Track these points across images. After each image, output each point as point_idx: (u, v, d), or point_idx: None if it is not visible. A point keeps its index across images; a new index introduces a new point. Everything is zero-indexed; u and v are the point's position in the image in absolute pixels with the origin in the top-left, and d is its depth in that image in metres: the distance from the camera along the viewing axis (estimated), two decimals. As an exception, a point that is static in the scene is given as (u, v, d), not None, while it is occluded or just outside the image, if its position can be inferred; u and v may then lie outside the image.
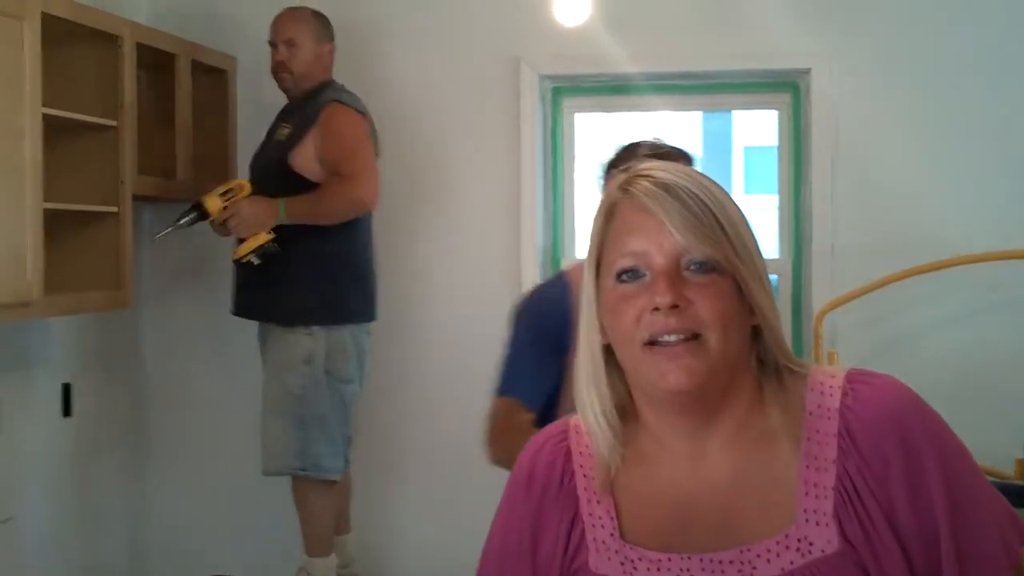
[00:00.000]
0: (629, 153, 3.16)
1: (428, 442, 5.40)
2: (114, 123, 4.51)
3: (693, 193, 1.62)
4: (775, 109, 5.43)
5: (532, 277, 5.27)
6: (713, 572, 1.62)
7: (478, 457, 5.32)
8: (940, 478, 1.59)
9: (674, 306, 1.59)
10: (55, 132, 4.19)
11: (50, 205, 4.11)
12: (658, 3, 5.23)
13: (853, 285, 4.96)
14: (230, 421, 5.41)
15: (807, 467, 1.62)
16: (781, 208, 5.36)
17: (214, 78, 5.29)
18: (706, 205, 1.61)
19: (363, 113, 4.82)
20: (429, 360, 5.38)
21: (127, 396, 5.45)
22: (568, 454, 1.75)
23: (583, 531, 1.70)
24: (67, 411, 4.95)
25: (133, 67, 4.63)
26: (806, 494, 1.61)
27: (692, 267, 1.60)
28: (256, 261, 4.68)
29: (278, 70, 4.89)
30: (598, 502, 1.71)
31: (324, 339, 4.70)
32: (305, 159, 4.71)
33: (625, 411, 1.72)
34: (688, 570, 1.63)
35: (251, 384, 4.99)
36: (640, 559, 1.66)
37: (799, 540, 1.59)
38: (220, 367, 5.50)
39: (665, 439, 1.69)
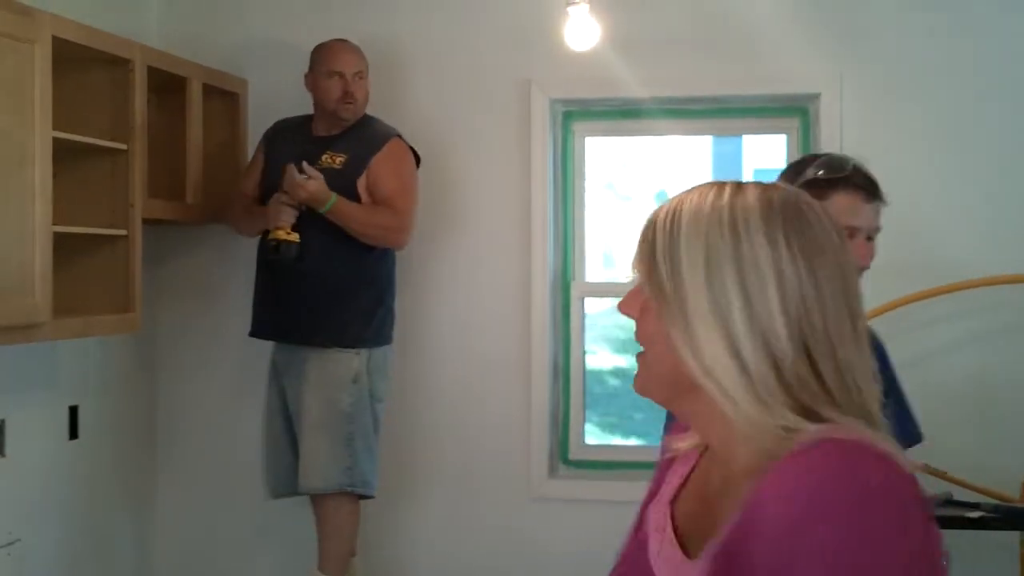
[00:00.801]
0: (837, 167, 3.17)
1: (437, 462, 5.40)
2: (124, 146, 4.52)
3: (651, 223, 1.65)
4: (784, 133, 5.43)
5: (542, 299, 5.28)
6: (661, 567, 1.72)
7: (485, 478, 5.36)
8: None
9: (625, 313, 1.70)
10: (65, 155, 4.19)
11: (59, 228, 4.12)
12: (668, 28, 5.24)
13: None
14: (237, 443, 5.40)
15: (746, 475, 1.57)
16: (790, 232, 5.35)
17: (225, 101, 5.30)
18: (648, 236, 1.64)
19: (406, 142, 5.01)
20: (440, 381, 5.38)
21: (134, 418, 5.44)
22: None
23: (662, 480, 1.85)
24: (74, 433, 4.95)
25: (144, 90, 4.63)
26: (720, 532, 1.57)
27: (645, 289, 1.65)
28: (274, 252, 4.76)
29: (346, 100, 4.93)
30: (682, 463, 1.82)
31: (367, 358, 4.84)
32: (366, 187, 4.87)
33: None
34: (659, 553, 1.73)
35: (259, 406, 5.00)
36: (659, 521, 1.77)
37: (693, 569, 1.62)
38: (227, 389, 5.50)
39: None
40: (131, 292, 4.59)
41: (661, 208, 1.66)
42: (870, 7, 5.15)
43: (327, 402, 4.79)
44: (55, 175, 4.04)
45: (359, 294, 4.86)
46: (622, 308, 1.70)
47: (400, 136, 4.96)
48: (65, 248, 4.23)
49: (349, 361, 4.81)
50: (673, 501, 1.78)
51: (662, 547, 1.73)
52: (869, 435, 1.50)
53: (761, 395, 1.54)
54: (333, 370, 4.80)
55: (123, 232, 4.54)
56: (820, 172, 3.13)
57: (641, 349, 1.69)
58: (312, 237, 4.77)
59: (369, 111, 5.00)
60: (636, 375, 1.70)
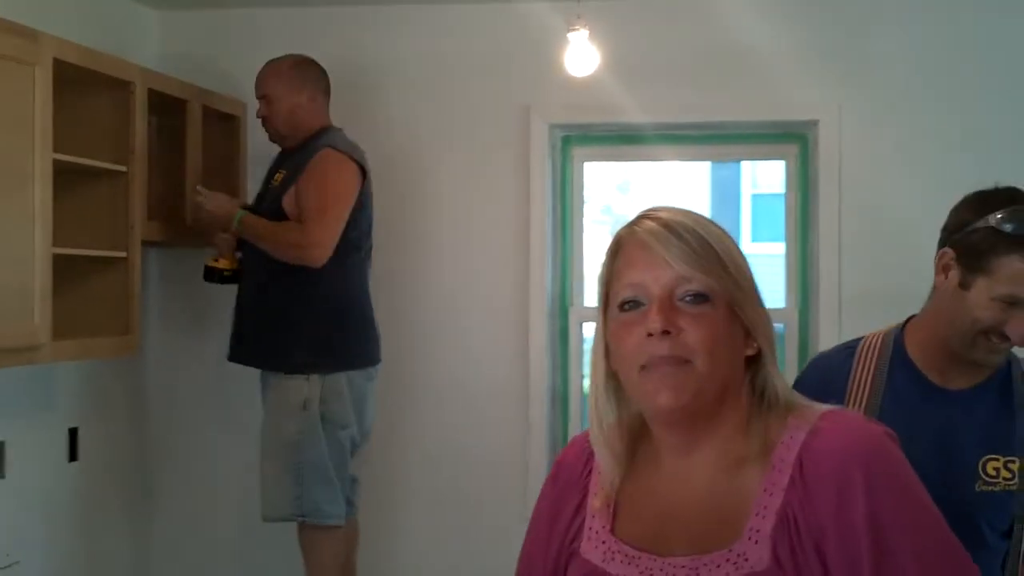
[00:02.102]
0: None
1: (435, 487, 5.39)
2: (124, 168, 4.53)
3: (691, 229, 1.82)
4: (783, 160, 5.45)
5: (540, 324, 5.29)
6: (668, 574, 1.81)
7: (482, 504, 5.35)
8: (867, 517, 1.72)
9: (665, 332, 1.78)
10: (65, 177, 4.20)
11: (59, 250, 4.12)
12: (667, 54, 5.26)
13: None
14: (235, 466, 5.40)
15: (764, 491, 1.79)
16: (788, 257, 5.37)
17: (224, 124, 5.31)
18: (704, 239, 1.82)
19: (358, 161, 4.78)
20: (438, 405, 5.38)
21: (133, 440, 5.44)
22: (592, 453, 1.96)
23: (584, 520, 1.94)
24: (73, 455, 4.95)
25: (144, 113, 4.64)
26: (756, 515, 1.77)
27: (687, 298, 1.80)
28: (210, 276, 4.88)
29: (262, 124, 4.93)
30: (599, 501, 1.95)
31: (320, 384, 4.68)
32: (292, 203, 4.72)
33: (643, 427, 1.92)
34: (650, 569, 1.83)
35: (256, 429, 4.99)
36: (619, 552, 1.87)
37: (738, 555, 1.77)
38: (226, 412, 5.50)
39: (661, 453, 1.90)
40: (130, 314, 4.59)
41: (677, 224, 1.82)
42: (869, 35, 5.17)
43: (275, 428, 4.72)
44: (55, 197, 4.05)
45: (301, 318, 4.72)
46: (666, 325, 1.78)
47: (334, 147, 4.74)
48: (64, 270, 4.23)
49: (299, 387, 4.68)
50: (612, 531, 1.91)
51: (637, 565, 1.85)
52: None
53: None
54: (283, 396, 4.71)
55: (122, 254, 4.54)
56: (1009, 227, 2.64)
57: (672, 361, 1.80)
58: (252, 261, 4.78)
59: (368, 135, 4.98)
60: (674, 385, 1.79)
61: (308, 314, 4.71)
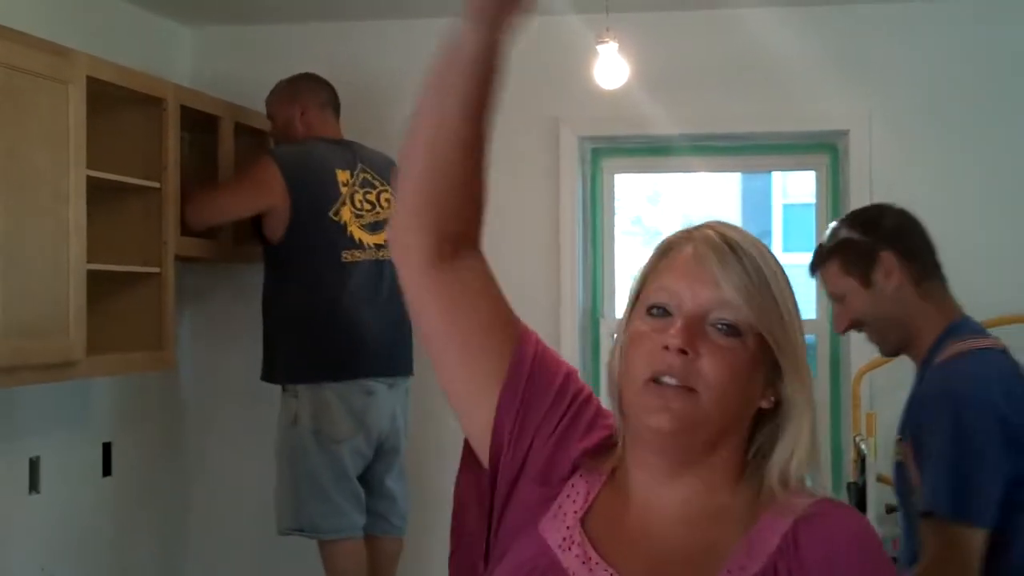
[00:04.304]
0: None
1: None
2: (157, 184, 4.55)
3: (752, 256, 1.66)
4: (813, 170, 5.44)
5: (571, 336, 5.29)
6: None
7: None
8: None
9: (683, 351, 1.62)
10: (99, 193, 4.22)
11: (93, 266, 4.15)
12: (696, 66, 5.26)
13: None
14: (268, 481, 5.38)
15: (741, 551, 1.64)
16: (820, 269, 5.35)
17: (256, 140, 5.32)
18: (762, 271, 1.66)
19: (283, 165, 4.75)
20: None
21: (167, 455, 5.47)
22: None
23: (560, 492, 1.74)
24: (107, 470, 4.98)
25: (176, 129, 4.67)
26: (727, 571, 1.62)
27: (719, 326, 1.64)
28: None
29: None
30: (586, 480, 1.75)
31: (308, 399, 4.68)
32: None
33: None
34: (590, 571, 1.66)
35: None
36: (578, 547, 1.68)
37: None
38: (259, 426, 5.50)
39: (634, 474, 1.73)
40: (164, 330, 4.61)
41: (741, 247, 1.67)
42: (898, 44, 5.17)
43: (275, 443, 4.81)
44: (89, 213, 4.08)
45: (275, 331, 4.78)
46: (685, 344, 1.63)
47: (270, 151, 4.92)
48: (99, 286, 4.25)
49: (288, 401, 4.74)
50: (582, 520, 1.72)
51: (590, 567, 1.67)
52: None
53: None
54: (281, 411, 4.78)
55: (156, 270, 4.57)
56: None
57: (679, 384, 1.64)
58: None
59: (396, 148, 4.99)
60: (674, 409, 1.63)
61: (276, 327, 4.78)
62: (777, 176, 16.63)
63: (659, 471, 1.70)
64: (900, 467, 3.00)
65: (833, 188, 5.33)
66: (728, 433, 1.68)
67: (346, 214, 4.78)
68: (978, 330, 3.10)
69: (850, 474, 4.81)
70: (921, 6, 5.16)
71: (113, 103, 4.44)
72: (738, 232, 1.70)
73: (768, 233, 16.94)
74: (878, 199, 5.10)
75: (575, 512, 1.72)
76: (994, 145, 5.08)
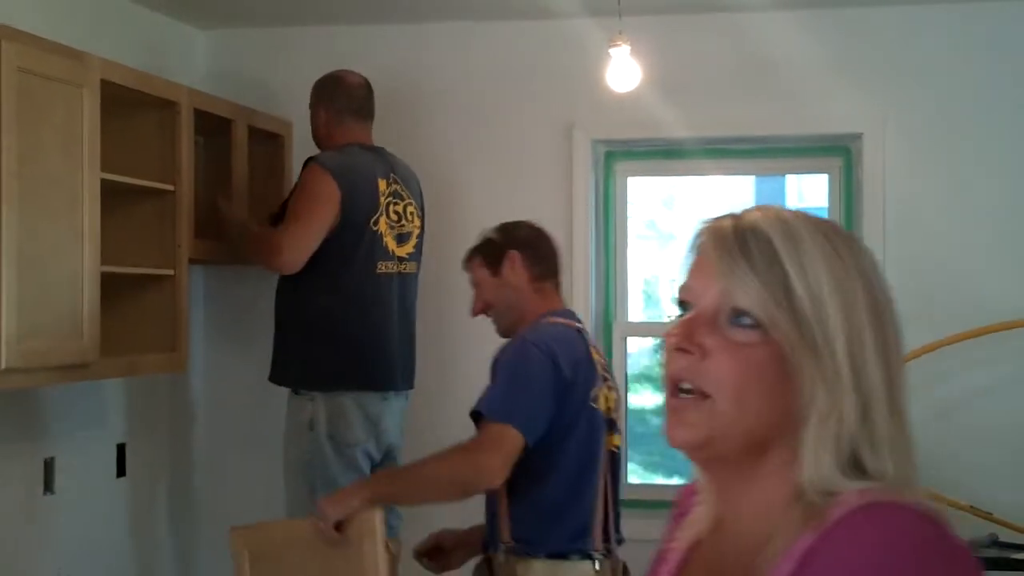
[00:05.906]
0: None
1: (477, 500, 5.39)
2: (171, 187, 4.57)
3: (768, 239, 1.45)
4: (826, 173, 5.44)
5: (584, 340, 5.29)
6: None
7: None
8: None
9: (680, 349, 1.45)
10: (113, 196, 4.24)
11: (107, 268, 4.16)
12: (710, 69, 5.26)
13: (905, 349, 4.93)
14: (280, 482, 5.41)
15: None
16: (832, 272, 5.35)
17: (270, 143, 5.34)
18: (776, 255, 1.44)
19: (334, 171, 4.67)
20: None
21: (181, 456, 5.49)
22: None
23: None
24: (122, 471, 4.99)
25: (190, 132, 4.68)
26: None
27: (733, 319, 1.44)
28: None
29: None
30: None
31: (324, 404, 4.66)
32: None
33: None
34: None
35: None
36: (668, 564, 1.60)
37: None
38: (271, 429, 5.51)
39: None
40: (178, 331, 4.63)
41: (746, 228, 1.46)
42: (913, 47, 5.16)
43: (287, 449, 4.76)
44: (103, 216, 4.10)
45: (293, 335, 4.75)
46: (684, 340, 1.45)
47: (314, 158, 4.74)
48: (112, 288, 4.27)
49: (303, 406, 4.69)
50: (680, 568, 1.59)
51: None
52: (909, 495, 1.42)
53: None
54: (293, 416, 4.74)
55: (170, 272, 4.58)
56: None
57: (691, 392, 1.46)
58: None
59: (412, 153, 5.02)
60: (688, 421, 1.46)
61: (298, 332, 4.74)
62: (791, 180, 16.60)
63: (714, 486, 1.54)
64: None
65: (846, 191, 5.33)
66: (773, 438, 1.45)
67: (383, 224, 4.76)
68: (569, 316, 3.86)
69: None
70: (936, 10, 5.15)
71: (127, 106, 4.46)
72: (766, 215, 1.49)
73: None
74: (891, 202, 5.13)
75: (675, 563, 1.60)
76: (1007, 149, 5.08)
